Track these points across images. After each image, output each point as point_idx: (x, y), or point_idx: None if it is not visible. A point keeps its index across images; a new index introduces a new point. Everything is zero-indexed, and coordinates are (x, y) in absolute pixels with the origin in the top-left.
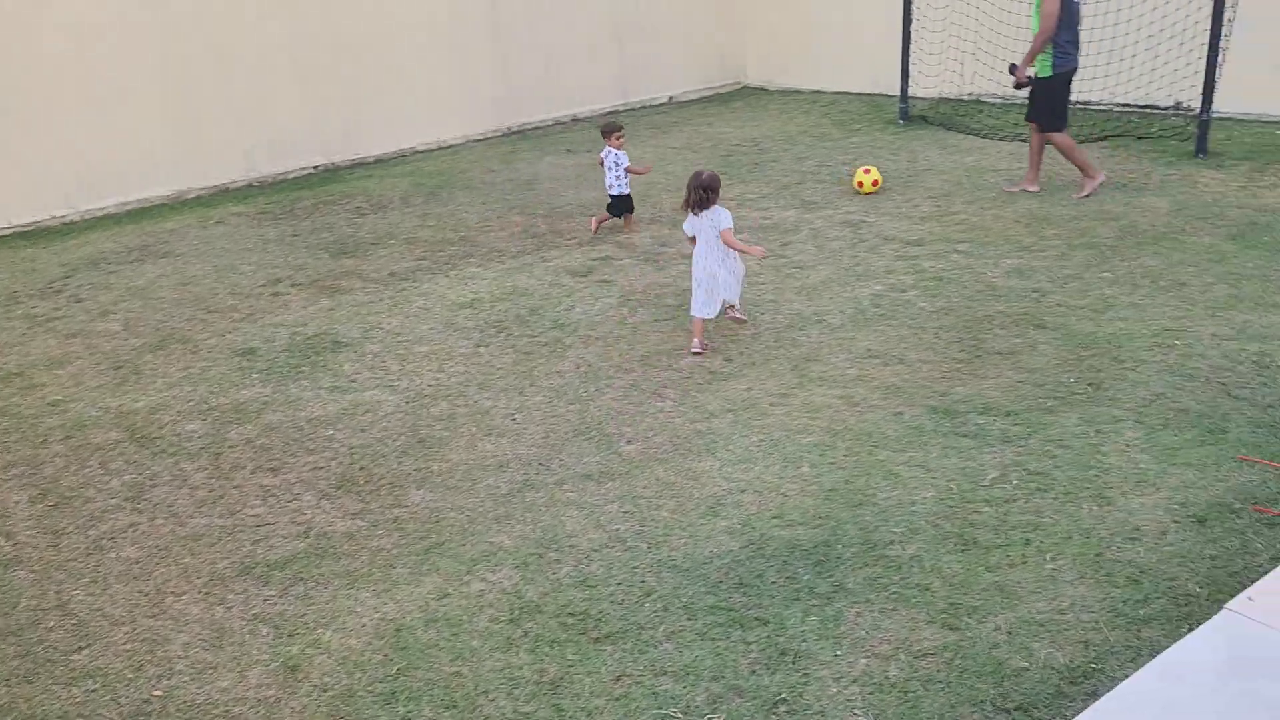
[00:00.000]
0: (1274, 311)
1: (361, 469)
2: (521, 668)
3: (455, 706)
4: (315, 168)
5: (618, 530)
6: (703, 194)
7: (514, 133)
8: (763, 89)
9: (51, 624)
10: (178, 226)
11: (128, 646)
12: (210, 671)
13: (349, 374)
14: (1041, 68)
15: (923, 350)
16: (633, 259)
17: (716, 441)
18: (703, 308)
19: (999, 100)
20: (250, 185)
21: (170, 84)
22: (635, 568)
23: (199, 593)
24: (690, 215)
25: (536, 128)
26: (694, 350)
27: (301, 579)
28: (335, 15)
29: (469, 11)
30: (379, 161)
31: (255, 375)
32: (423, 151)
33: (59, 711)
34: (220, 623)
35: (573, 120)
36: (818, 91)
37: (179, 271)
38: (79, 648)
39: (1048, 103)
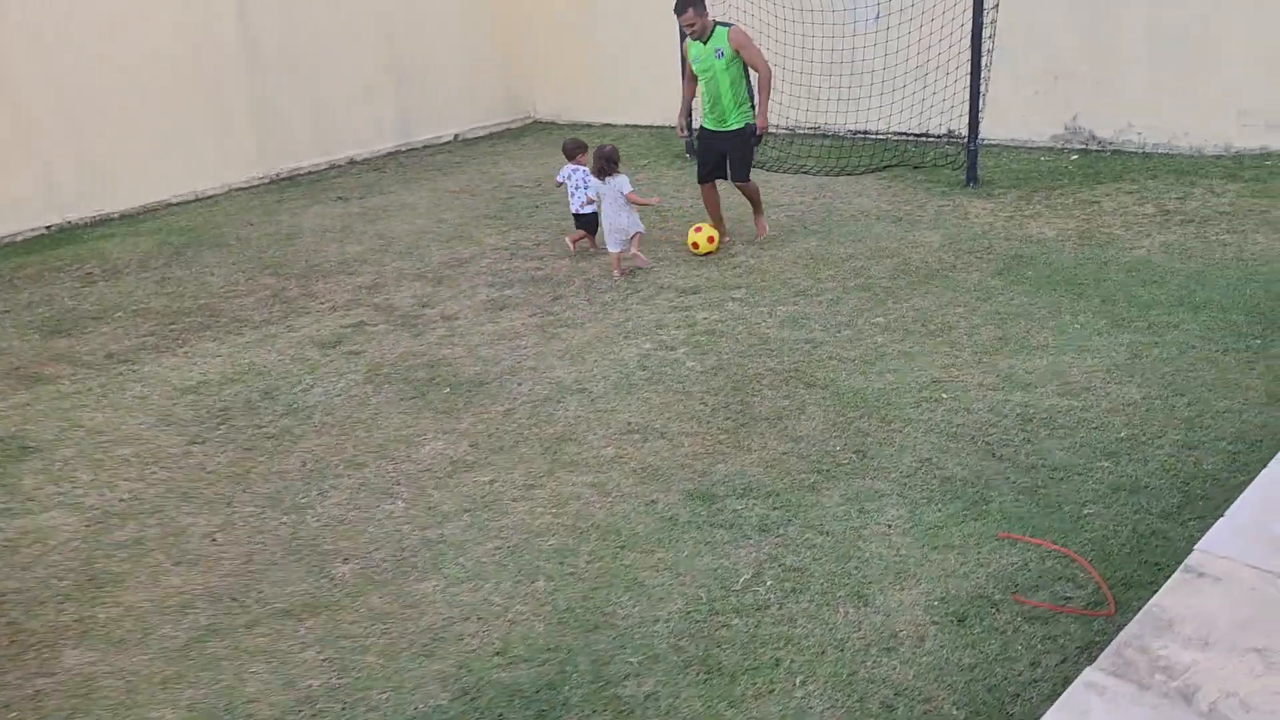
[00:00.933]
0: (1036, 354)
1: (9, 624)
2: None
3: None
4: (48, 228)
5: (310, 687)
6: (604, 164)
7: (282, 179)
8: (553, 123)
9: None
10: None
11: None
12: None
13: (27, 490)
14: (746, 117)
15: (686, 420)
16: (388, 324)
17: (446, 554)
18: (615, 246)
19: (784, 132)
20: None
21: None
22: None
23: None
24: (595, 180)
25: (308, 173)
26: (616, 275)
27: None
28: (59, 58)
29: (215, 53)
30: (124, 218)
31: None
32: (176, 205)
33: None
34: None
35: (349, 163)
36: (608, 125)
37: None
38: None
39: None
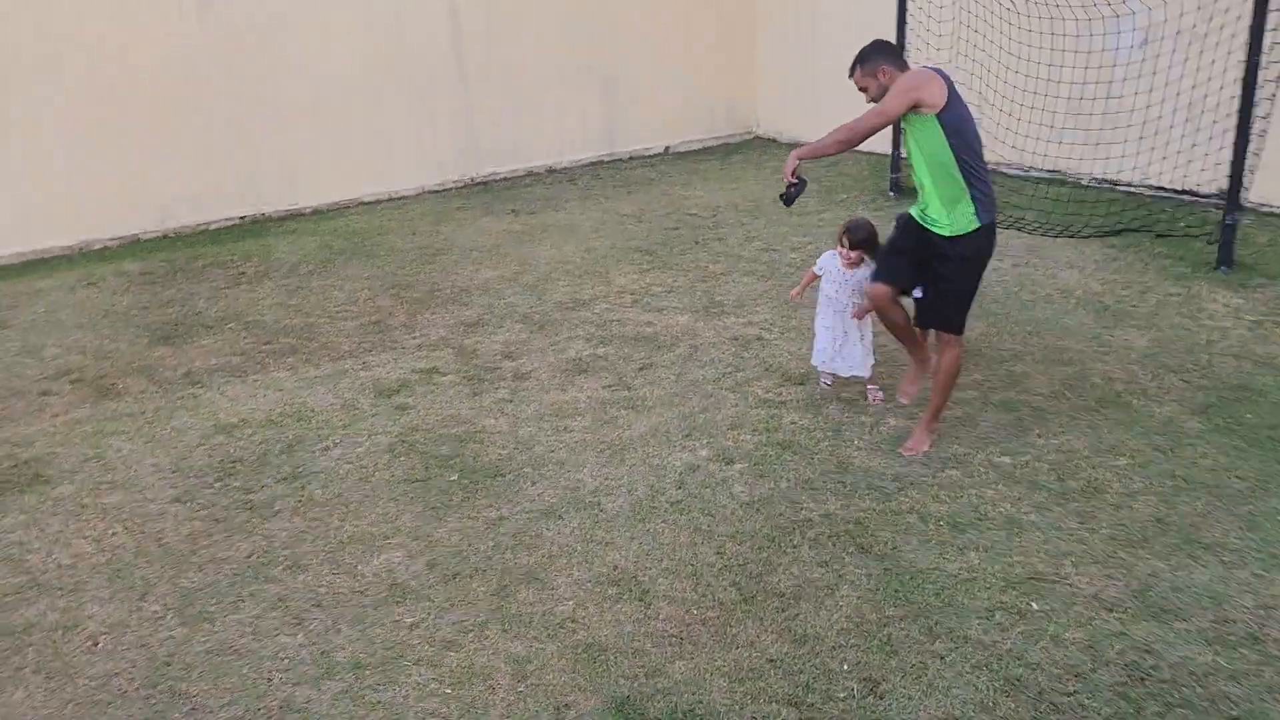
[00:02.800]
0: (1201, 559)
1: None
2: None
3: None
4: (241, 218)
5: None
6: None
7: (477, 184)
8: (774, 141)
9: None
10: (45, 288)
11: None
12: None
13: (7, 534)
14: (966, 220)
15: (683, 578)
16: (457, 376)
17: None
18: (852, 366)
19: (1015, 173)
20: (165, 236)
21: (91, 125)
22: None
23: None
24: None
25: (504, 179)
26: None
27: None
28: (271, 51)
29: (424, 53)
30: (316, 214)
31: None
32: (369, 203)
33: None
34: None
35: (547, 171)
36: None
37: None
38: None
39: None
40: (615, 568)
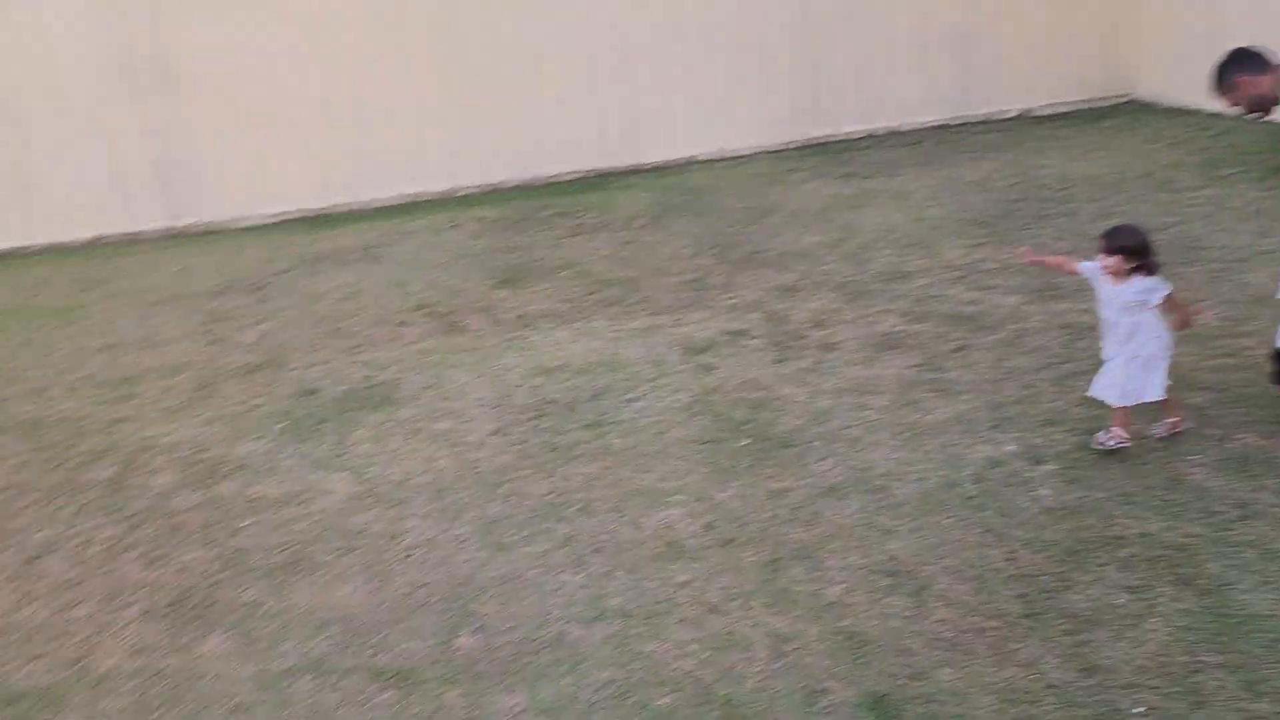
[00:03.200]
0: None
1: (209, 589)
2: None
3: None
4: (588, 172)
5: None
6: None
7: (814, 145)
8: (1154, 105)
9: None
10: (416, 228)
11: None
12: None
13: (350, 443)
14: None
15: (954, 578)
16: (764, 341)
17: (560, 665)
18: (1120, 396)
19: None
20: (518, 187)
21: (450, 78)
22: None
23: None
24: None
25: (842, 140)
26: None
27: None
28: (623, 10)
29: (772, 11)
30: (656, 170)
31: (277, 427)
32: (704, 161)
33: None
34: None
35: (889, 134)
36: (1215, 116)
37: (359, 282)
38: None
39: None
40: (893, 558)
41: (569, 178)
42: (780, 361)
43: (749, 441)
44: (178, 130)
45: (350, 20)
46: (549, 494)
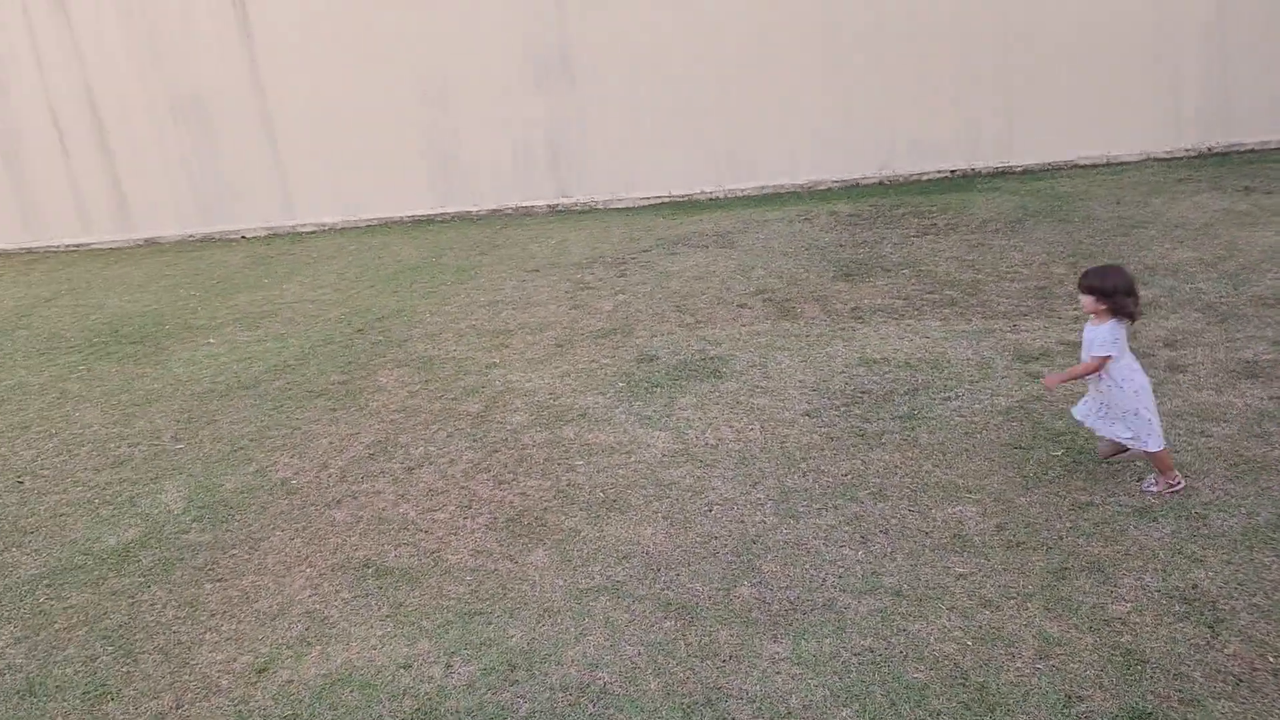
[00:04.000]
0: None
1: (541, 512)
2: None
3: None
4: (953, 172)
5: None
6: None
7: (1214, 155)
8: None
9: None
10: (772, 218)
11: None
12: None
13: (677, 407)
14: None
15: (1258, 616)
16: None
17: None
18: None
19: None
20: (880, 184)
21: (823, 75)
22: None
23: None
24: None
25: (1251, 151)
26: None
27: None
28: (1012, 9)
29: (1177, 4)
30: (1026, 173)
31: (618, 385)
32: (1083, 166)
33: None
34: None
35: None
36: None
37: (710, 265)
38: None
39: None
40: (1195, 586)
41: (932, 176)
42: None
43: (1062, 453)
44: (571, 117)
45: (740, 20)
46: (847, 474)
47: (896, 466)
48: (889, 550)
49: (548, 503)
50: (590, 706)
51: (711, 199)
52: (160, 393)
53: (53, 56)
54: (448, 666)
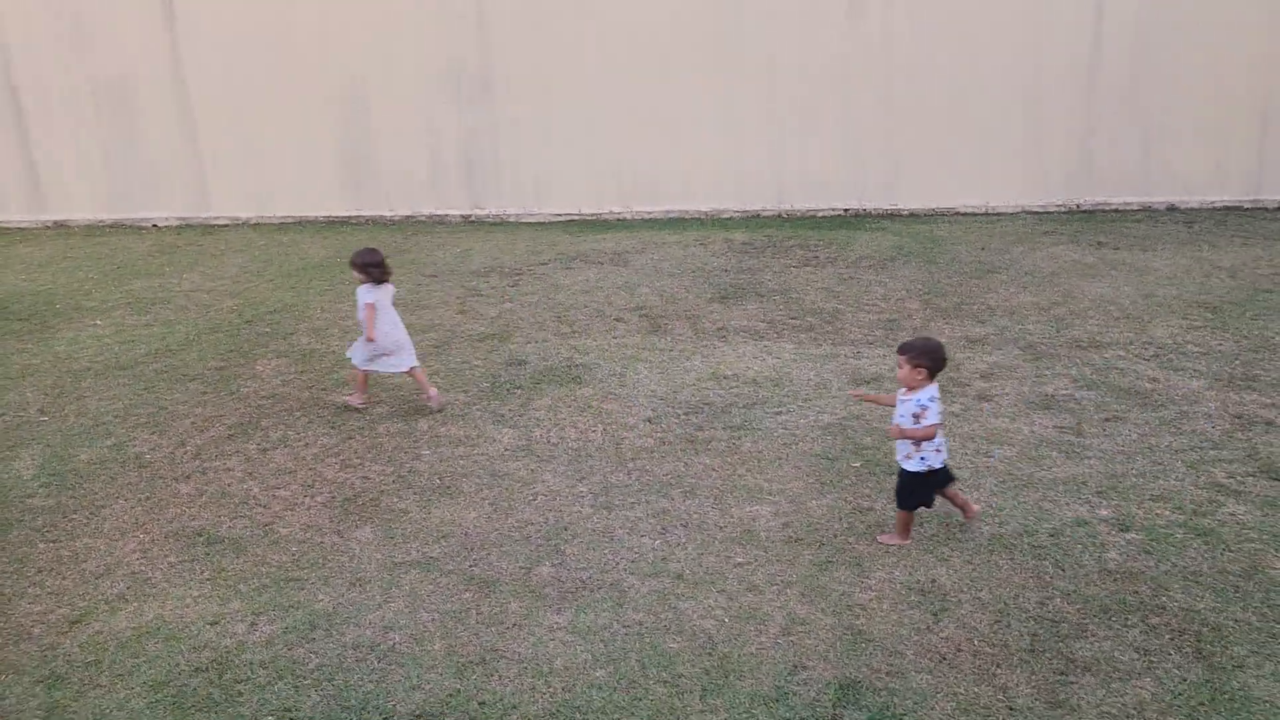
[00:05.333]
0: None
1: (377, 495)
2: None
3: None
4: (846, 211)
5: None
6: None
7: (1083, 212)
8: None
9: None
10: (669, 241)
11: None
12: None
13: (527, 410)
14: None
15: (978, 609)
16: None
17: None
18: None
19: None
20: (778, 216)
21: (729, 107)
22: None
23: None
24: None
25: (1115, 211)
26: None
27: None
28: (889, 58)
29: (1054, 68)
30: (911, 216)
31: (482, 385)
32: (963, 214)
33: None
34: None
35: (1169, 209)
36: None
37: (599, 281)
38: None
39: None
40: (934, 581)
41: (827, 213)
42: None
43: (860, 464)
44: (488, 131)
45: (650, 49)
46: (668, 474)
47: (714, 470)
48: (683, 541)
49: (386, 486)
50: (375, 663)
51: (619, 219)
52: (37, 369)
53: None
54: (252, 625)
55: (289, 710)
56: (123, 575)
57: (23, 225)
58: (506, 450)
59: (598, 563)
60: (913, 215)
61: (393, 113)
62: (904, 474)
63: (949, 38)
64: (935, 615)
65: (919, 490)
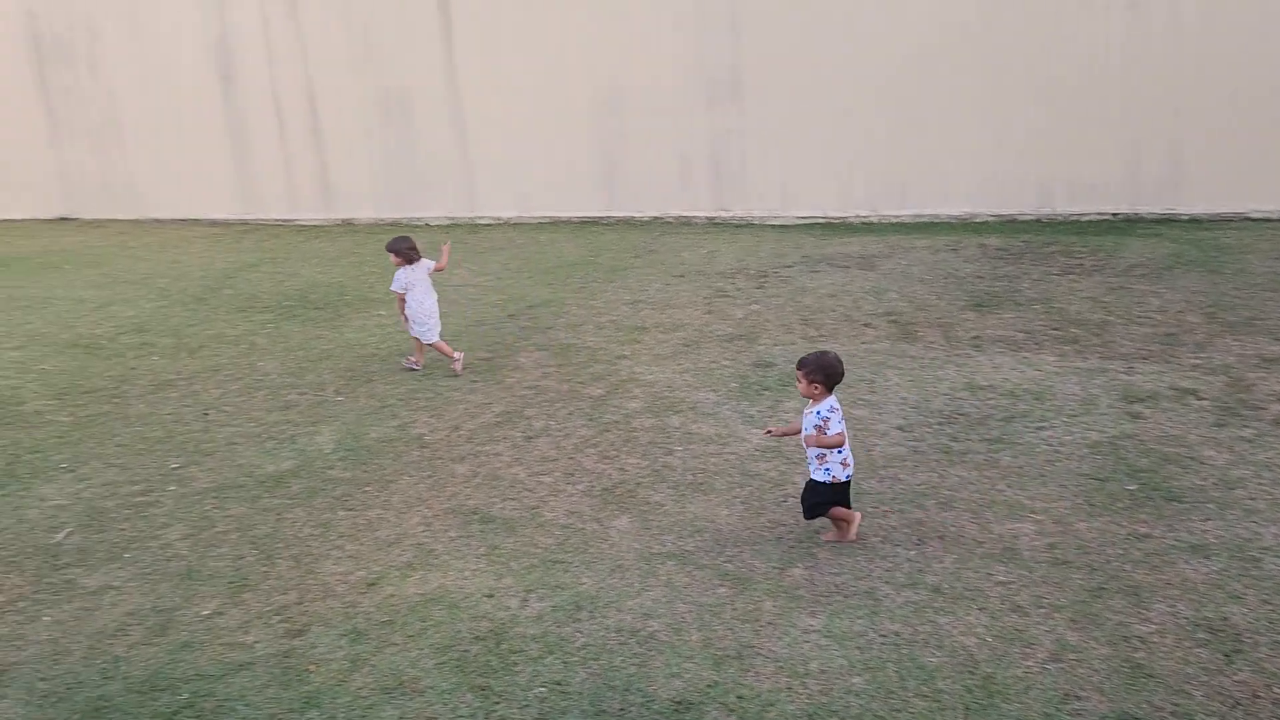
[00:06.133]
0: None
1: (634, 487)
2: None
3: None
4: (1114, 215)
5: None
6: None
7: None
8: None
9: None
10: (919, 246)
11: None
12: None
13: (776, 412)
14: None
15: None
16: (1212, 404)
17: None
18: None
19: None
20: (1038, 220)
21: (988, 109)
22: None
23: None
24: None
25: None
26: None
27: None
28: (1169, 47)
29: None
30: (1192, 221)
31: (731, 385)
32: (1255, 220)
33: None
34: None
35: None
36: None
37: (846, 285)
38: None
39: None
40: (1225, 619)
41: (1092, 217)
42: (1218, 426)
43: (1136, 488)
44: (736, 134)
45: (906, 50)
46: (921, 484)
47: (970, 483)
48: (939, 554)
49: (641, 479)
50: (637, 647)
51: (864, 222)
52: (331, 352)
53: (281, 51)
54: (524, 601)
55: (560, 684)
56: (410, 545)
57: (316, 223)
58: (756, 451)
59: (851, 568)
60: (1194, 220)
61: (645, 117)
62: (810, 483)
63: (1241, 25)
64: (1227, 656)
65: (824, 499)
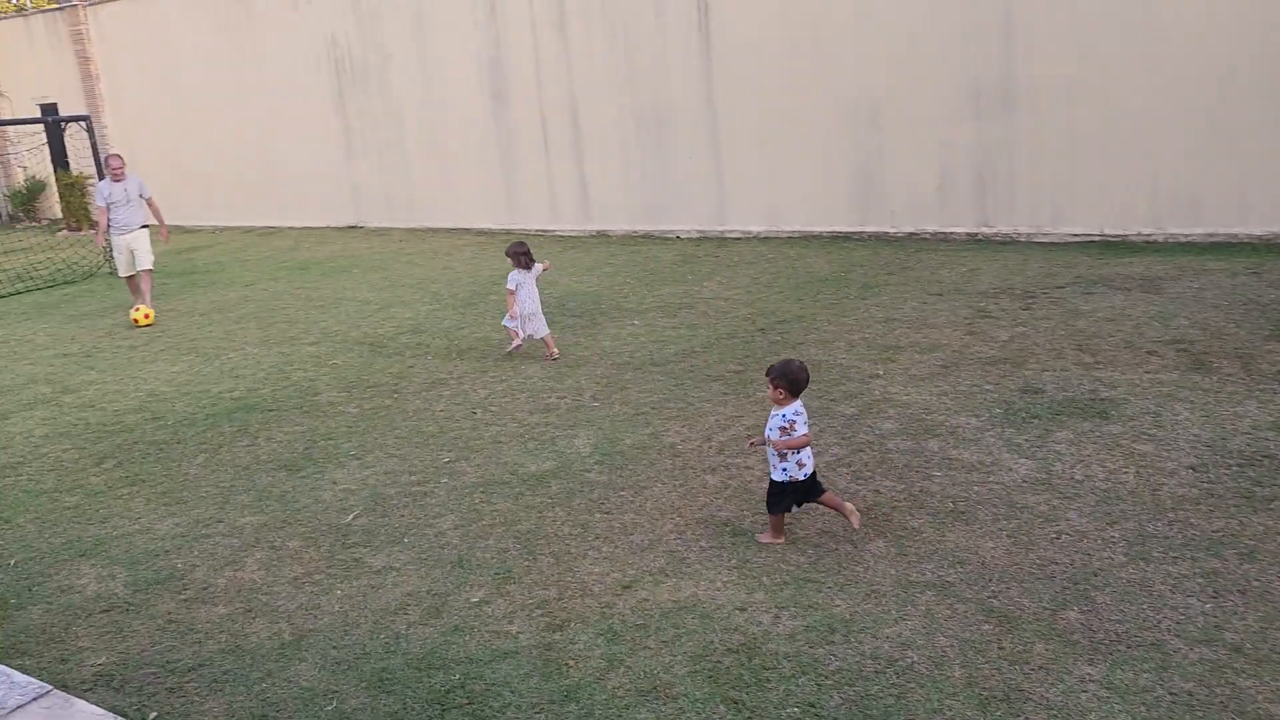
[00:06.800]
0: None
1: (889, 510)
2: None
3: None
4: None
5: None
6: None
7: None
8: None
9: None
10: (1211, 268)
11: None
12: None
13: (1045, 442)
14: None
15: None
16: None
17: None
18: None
19: None
20: None
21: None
22: None
23: None
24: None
25: None
26: None
27: None
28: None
29: None
30: None
31: (995, 411)
32: None
33: None
34: None
35: None
36: None
37: (1126, 308)
38: None
39: None
40: None
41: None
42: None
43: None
44: (1004, 146)
45: (1201, 41)
46: (1218, 531)
47: (1278, 533)
48: (1240, 609)
49: (897, 502)
50: (894, 677)
51: (1147, 241)
52: (589, 360)
53: (548, 70)
54: (776, 617)
55: (813, 706)
56: (663, 551)
57: (574, 233)
58: (1024, 481)
59: (1135, 617)
60: None
61: (904, 130)
62: (771, 483)
63: None
64: None
65: (783, 498)
